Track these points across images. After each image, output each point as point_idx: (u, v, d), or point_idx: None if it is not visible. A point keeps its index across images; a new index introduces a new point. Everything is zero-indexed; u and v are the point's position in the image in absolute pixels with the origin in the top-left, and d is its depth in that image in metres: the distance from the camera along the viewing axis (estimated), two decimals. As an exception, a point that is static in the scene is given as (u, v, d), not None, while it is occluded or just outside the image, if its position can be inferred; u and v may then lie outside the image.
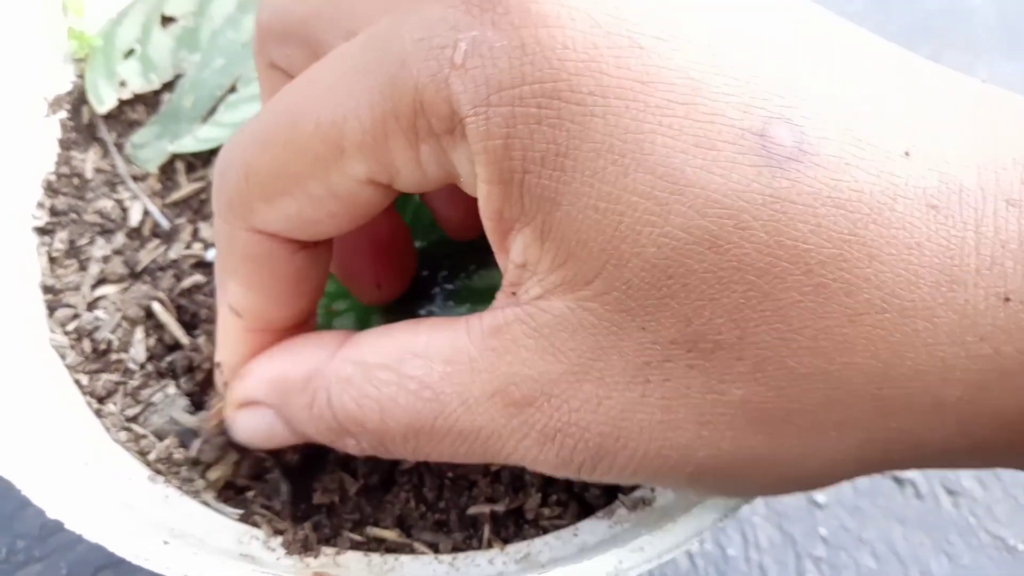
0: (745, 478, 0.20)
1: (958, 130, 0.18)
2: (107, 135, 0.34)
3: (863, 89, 0.18)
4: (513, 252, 0.20)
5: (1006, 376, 0.18)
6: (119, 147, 0.34)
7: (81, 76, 0.35)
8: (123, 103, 0.35)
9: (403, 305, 0.29)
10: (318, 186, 0.21)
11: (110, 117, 0.35)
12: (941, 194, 0.17)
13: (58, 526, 0.23)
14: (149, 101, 0.35)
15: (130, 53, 0.35)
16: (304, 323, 0.26)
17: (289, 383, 0.24)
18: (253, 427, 0.25)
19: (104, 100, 0.34)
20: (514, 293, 0.20)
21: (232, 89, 0.34)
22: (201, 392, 0.29)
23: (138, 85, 0.35)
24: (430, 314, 0.29)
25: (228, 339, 0.25)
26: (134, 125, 0.35)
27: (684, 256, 0.18)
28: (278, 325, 0.25)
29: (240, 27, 0.35)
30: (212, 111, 0.34)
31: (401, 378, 0.21)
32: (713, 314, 0.18)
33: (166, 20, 0.36)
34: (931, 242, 0.17)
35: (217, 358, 0.26)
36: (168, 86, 0.35)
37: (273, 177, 0.22)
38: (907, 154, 0.18)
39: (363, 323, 0.29)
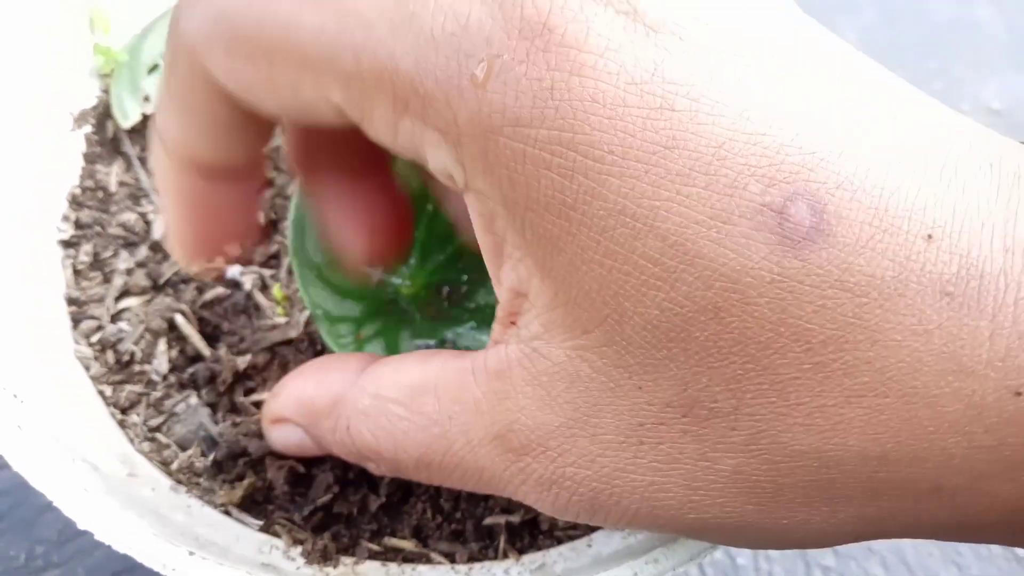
0: (737, 539, 0.21)
1: (990, 207, 0.17)
2: (131, 149, 0.35)
3: (897, 158, 0.18)
4: (511, 276, 0.20)
5: (1011, 468, 0.17)
6: (142, 161, 0.35)
7: (106, 91, 0.36)
8: (147, 117, 0.35)
9: (430, 327, 0.29)
10: (286, 80, 0.20)
11: (134, 131, 0.35)
12: (960, 280, 0.17)
13: (76, 532, 0.23)
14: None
15: (154, 68, 0.36)
16: (244, 172, 0.24)
17: (315, 408, 0.25)
18: (286, 440, 0.26)
19: (128, 115, 0.35)
20: (513, 323, 0.20)
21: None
22: (224, 402, 0.30)
23: (161, 100, 0.35)
24: (456, 337, 0.29)
25: (159, 179, 0.25)
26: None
27: (686, 323, 0.18)
28: (205, 162, 0.23)
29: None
30: (233, 126, 0.35)
31: (413, 414, 0.22)
32: (711, 381, 0.18)
33: (189, 36, 0.36)
34: (941, 330, 0.17)
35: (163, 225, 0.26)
36: (190, 101, 0.36)
37: (246, 42, 0.20)
38: (929, 237, 0.17)
39: (392, 347, 0.29)
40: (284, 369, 0.30)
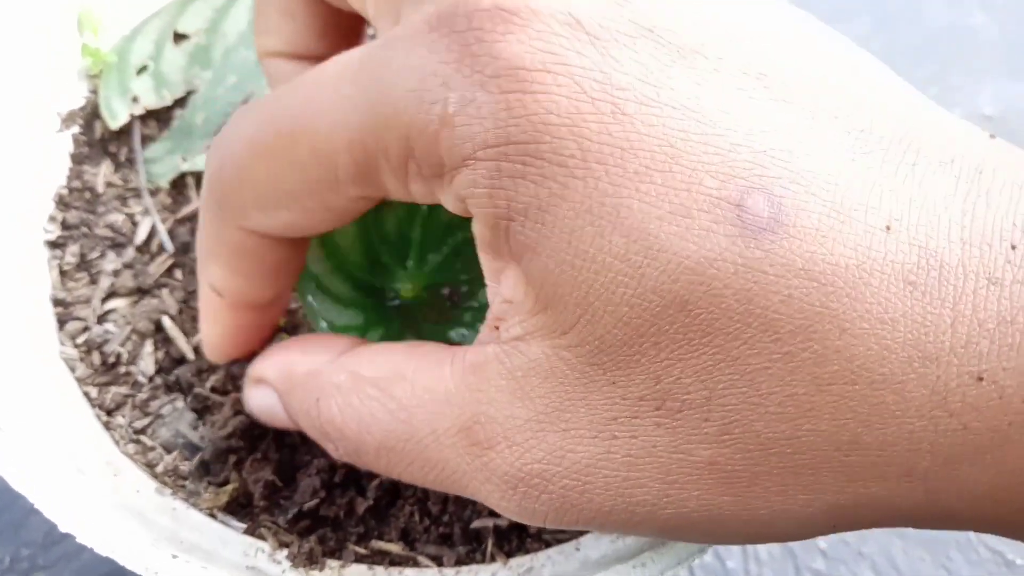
0: (714, 533, 0.20)
1: (948, 201, 0.18)
2: (123, 147, 0.35)
3: (854, 154, 0.18)
4: (503, 287, 0.20)
5: (977, 452, 0.18)
6: (131, 162, 0.35)
7: (95, 92, 0.35)
8: (135, 118, 0.35)
9: (434, 330, 0.29)
10: (313, 202, 0.22)
11: (122, 132, 0.35)
12: (920, 270, 0.17)
13: (62, 535, 0.23)
14: (162, 117, 0.36)
15: (143, 69, 0.35)
16: (281, 297, 0.27)
17: (293, 375, 0.25)
18: (261, 404, 0.26)
19: (117, 115, 0.35)
20: (497, 328, 0.21)
21: (243, 106, 0.35)
22: (209, 404, 0.30)
23: (151, 101, 0.35)
24: (462, 339, 0.29)
25: (210, 316, 0.27)
26: (147, 140, 0.35)
27: (656, 318, 0.18)
28: (256, 303, 0.26)
29: (252, 45, 0.35)
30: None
31: (384, 396, 0.22)
32: (682, 374, 0.18)
33: (179, 37, 0.36)
34: (905, 318, 0.17)
35: (201, 334, 0.28)
36: (180, 102, 0.36)
37: (268, 189, 0.22)
38: (888, 228, 0.18)
39: None
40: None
